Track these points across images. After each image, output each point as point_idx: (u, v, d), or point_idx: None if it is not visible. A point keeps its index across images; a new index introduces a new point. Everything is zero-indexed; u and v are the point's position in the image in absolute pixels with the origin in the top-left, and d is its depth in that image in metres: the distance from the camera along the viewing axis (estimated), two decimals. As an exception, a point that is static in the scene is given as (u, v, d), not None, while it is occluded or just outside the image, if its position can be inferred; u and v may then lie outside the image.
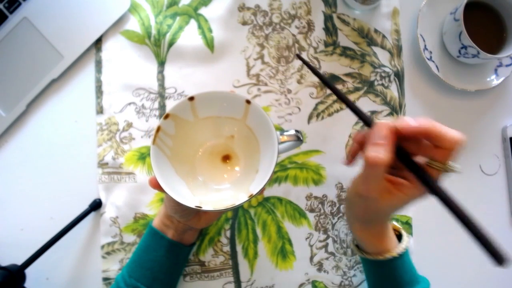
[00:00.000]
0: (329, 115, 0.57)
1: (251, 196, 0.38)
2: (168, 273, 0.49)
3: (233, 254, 0.55)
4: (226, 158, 0.45)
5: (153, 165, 0.39)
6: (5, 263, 0.50)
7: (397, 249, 0.45)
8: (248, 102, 0.41)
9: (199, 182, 0.44)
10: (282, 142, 0.40)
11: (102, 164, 0.55)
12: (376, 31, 0.58)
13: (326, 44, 0.58)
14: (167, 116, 0.41)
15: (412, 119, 0.35)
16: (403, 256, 0.45)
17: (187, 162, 0.44)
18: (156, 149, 0.40)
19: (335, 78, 0.58)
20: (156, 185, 0.39)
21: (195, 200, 0.40)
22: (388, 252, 0.44)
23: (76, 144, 0.55)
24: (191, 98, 0.41)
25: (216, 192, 0.44)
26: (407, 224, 0.57)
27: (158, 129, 0.40)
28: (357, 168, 0.47)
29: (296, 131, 0.42)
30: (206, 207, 0.37)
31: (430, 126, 0.34)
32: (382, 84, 0.58)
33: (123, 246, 0.54)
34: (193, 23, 0.57)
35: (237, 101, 0.42)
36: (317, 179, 0.56)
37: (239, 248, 0.55)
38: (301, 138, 0.42)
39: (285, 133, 0.41)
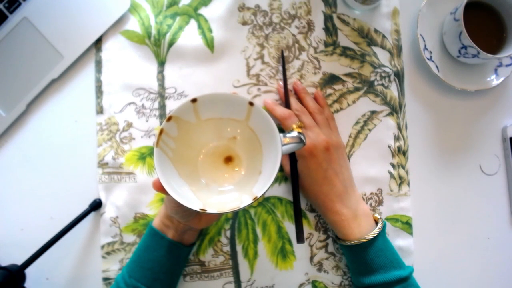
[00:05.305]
0: (329, 115, 0.57)
1: (256, 199, 0.38)
2: (168, 273, 0.49)
3: (233, 254, 0.55)
4: (228, 159, 0.45)
5: (157, 168, 0.39)
6: (5, 263, 0.50)
7: (366, 235, 0.49)
8: (251, 104, 0.41)
9: (202, 184, 0.44)
10: (285, 144, 0.40)
11: (102, 164, 0.55)
12: (376, 31, 0.58)
13: (326, 44, 0.58)
14: (169, 119, 0.40)
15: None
16: (374, 243, 0.49)
17: (189, 164, 0.44)
18: (159, 152, 0.40)
19: (335, 78, 0.58)
20: (159, 188, 0.39)
21: (199, 203, 0.40)
22: (356, 238, 0.49)
23: (76, 144, 0.55)
24: (194, 100, 0.41)
25: (219, 194, 0.43)
26: (407, 224, 0.57)
27: (161, 131, 0.40)
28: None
29: (299, 132, 0.41)
30: (210, 209, 0.37)
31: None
32: (382, 84, 0.58)
33: (123, 246, 0.54)
34: (193, 23, 0.57)
35: (240, 103, 0.42)
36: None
37: (239, 248, 0.55)
38: (304, 140, 0.42)
39: (288, 135, 0.41)
